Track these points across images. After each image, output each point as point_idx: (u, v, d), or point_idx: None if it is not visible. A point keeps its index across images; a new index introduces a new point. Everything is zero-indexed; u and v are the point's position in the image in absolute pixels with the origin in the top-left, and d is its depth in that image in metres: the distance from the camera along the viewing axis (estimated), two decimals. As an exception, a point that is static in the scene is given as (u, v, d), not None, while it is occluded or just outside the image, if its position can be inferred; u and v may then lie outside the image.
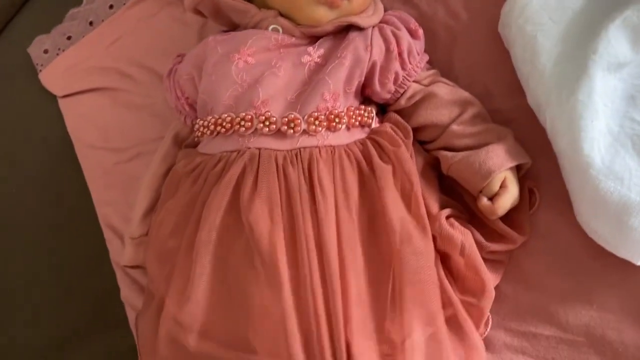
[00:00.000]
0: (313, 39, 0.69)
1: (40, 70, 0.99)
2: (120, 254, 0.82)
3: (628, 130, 0.59)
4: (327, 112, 0.63)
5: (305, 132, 0.62)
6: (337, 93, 0.64)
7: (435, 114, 0.67)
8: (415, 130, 0.68)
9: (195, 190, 0.64)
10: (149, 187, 0.76)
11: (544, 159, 0.65)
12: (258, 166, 0.61)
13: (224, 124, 0.64)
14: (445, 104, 0.67)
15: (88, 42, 0.97)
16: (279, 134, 0.63)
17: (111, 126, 0.93)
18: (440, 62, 0.74)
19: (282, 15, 0.69)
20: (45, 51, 1.00)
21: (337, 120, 0.63)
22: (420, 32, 0.70)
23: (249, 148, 0.62)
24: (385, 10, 0.73)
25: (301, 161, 0.61)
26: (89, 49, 0.96)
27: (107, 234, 0.89)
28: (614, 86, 0.60)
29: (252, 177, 0.60)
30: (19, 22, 1.08)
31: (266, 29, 0.69)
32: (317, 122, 0.62)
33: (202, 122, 0.67)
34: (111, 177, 0.92)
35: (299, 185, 0.60)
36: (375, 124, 0.68)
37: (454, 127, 0.65)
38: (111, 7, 0.96)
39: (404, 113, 0.69)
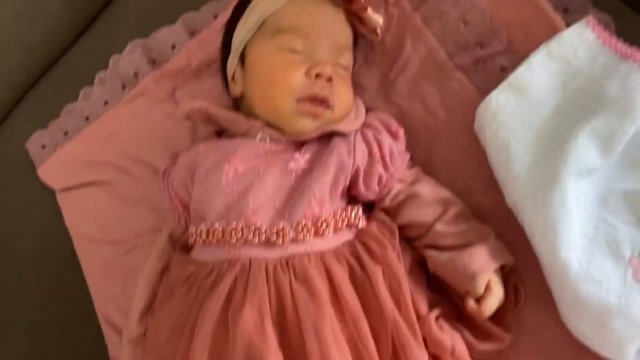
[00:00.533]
0: (299, 143, 0.72)
1: (39, 166, 1.03)
2: (119, 349, 0.83)
3: (602, 233, 0.61)
4: (314, 219, 0.66)
5: (293, 240, 0.65)
6: (323, 199, 0.67)
7: (419, 214, 0.69)
8: (401, 228, 0.70)
9: (190, 299, 0.66)
10: (146, 286, 0.78)
11: (526, 255, 0.67)
12: (248, 277, 0.63)
13: (216, 234, 0.67)
14: (428, 203, 0.69)
15: (85, 137, 1.00)
16: (268, 242, 0.65)
17: (109, 219, 0.96)
18: (421, 160, 0.77)
19: (268, 124, 0.72)
20: (43, 146, 1.04)
21: (324, 225, 0.66)
22: (401, 133, 0.73)
23: (240, 258, 0.64)
24: (367, 111, 0.77)
25: (292, 269, 0.64)
26: (85, 143, 1.00)
27: (106, 330, 0.91)
28: (586, 191, 0.63)
29: (242, 288, 0.62)
30: (17, 116, 1.12)
31: (254, 137, 0.72)
32: (304, 230, 0.65)
33: (195, 229, 0.70)
34: (110, 270, 0.94)
35: (290, 292, 0.62)
36: (362, 223, 0.70)
37: (438, 226, 0.68)
38: (106, 103, 1.00)
39: (389, 212, 0.72)
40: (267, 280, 0.63)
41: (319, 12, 0.71)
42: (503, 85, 0.68)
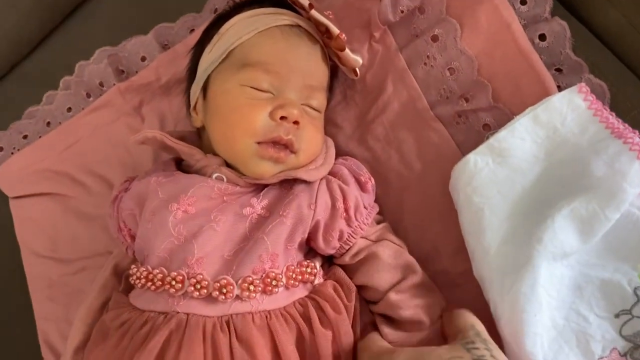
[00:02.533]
0: (259, 187, 0.67)
1: (-7, 168, 0.97)
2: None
3: (573, 325, 0.56)
4: (264, 275, 0.60)
5: (238, 297, 0.59)
6: (275, 254, 0.61)
7: (376, 278, 0.64)
8: (357, 287, 0.65)
9: (121, 349, 0.60)
10: (83, 321, 0.72)
11: (493, 334, 0.61)
12: (184, 334, 0.57)
13: (155, 280, 0.61)
14: (387, 268, 0.64)
15: (44, 144, 0.94)
16: (209, 298, 0.59)
17: (60, 234, 0.90)
18: (390, 211, 0.72)
19: (227, 164, 0.67)
20: (0, 148, 0.97)
21: (274, 282, 0.60)
22: (370, 185, 0.68)
23: (177, 312, 0.59)
24: (337, 154, 0.71)
25: (233, 329, 0.58)
26: (44, 151, 0.93)
27: (45, 353, 0.86)
28: (561, 274, 0.58)
29: (176, 346, 0.56)
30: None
31: (210, 176, 0.66)
32: (251, 287, 0.59)
33: (135, 270, 0.64)
34: (54, 290, 0.88)
35: (229, 355, 0.56)
36: (319, 279, 0.65)
37: (392, 295, 0.63)
38: (69, 109, 0.94)
39: (348, 269, 0.67)
40: (204, 341, 0.57)
41: (291, 47, 0.65)
42: (483, 147, 0.63)
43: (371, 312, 0.67)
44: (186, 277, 0.59)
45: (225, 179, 0.66)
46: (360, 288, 0.66)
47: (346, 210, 0.65)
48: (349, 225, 0.65)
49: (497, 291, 0.58)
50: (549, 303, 0.56)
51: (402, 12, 0.72)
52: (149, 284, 0.61)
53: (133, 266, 0.66)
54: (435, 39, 0.71)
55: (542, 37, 0.68)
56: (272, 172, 0.64)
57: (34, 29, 0.99)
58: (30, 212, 0.93)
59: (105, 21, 0.99)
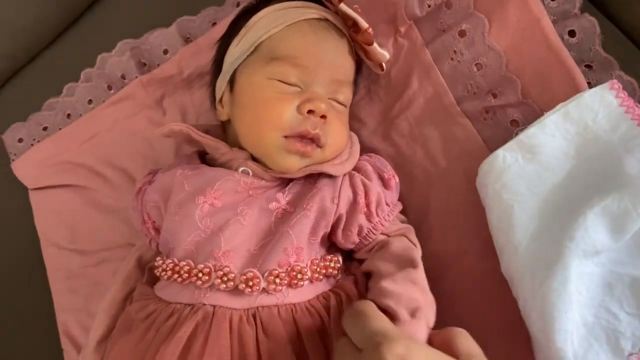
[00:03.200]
0: (285, 181, 0.66)
1: (13, 160, 0.97)
2: (76, 366, 0.78)
3: (603, 322, 0.56)
4: (289, 268, 0.60)
5: (264, 290, 0.59)
6: (300, 247, 0.61)
7: (377, 265, 0.62)
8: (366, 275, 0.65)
9: (147, 340, 0.60)
10: (107, 313, 0.72)
11: (521, 337, 0.60)
12: (210, 326, 0.57)
13: (182, 272, 0.61)
14: (391, 258, 0.62)
15: (64, 136, 0.94)
16: (236, 290, 0.59)
17: (80, 226, 0.90)
18: (416, 208, 0.71)
19: (253, 157, 0.66)
20: (20, 140, 0.98)
21: (299, 276, 0.60)
22: (394, 182, 0.67)
23: (204, 304, 0.59)
24: (362, 149, 0.71)
25: (260, 321, 0.58)
26: (64, 142, 0.94)
27: (65, 344, 0.86)
28: (591, 272, 0.57)
29: (203, 338, 0.56)
30: (-4, 105, 1.06)
31: (236, 169, 0.66)
32: (277, 280, 0.59)
33: (161, 263, 0.64)
34: (75, 281, 0.89)
35: (255, 348, 0.56)
36: (340, 276, 0.65)
37: (384, 283, 0.59)
38: (90, 101, 0.94)
39: (359, 255, 0.67)
40: (231, 333, 0.57)
41: (319, 41, 0.65)
42: (512, 143, 0.63)
43: None
44: (213, 269, 0.59)
45: (251, 173, 0.66)
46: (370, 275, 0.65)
47: (367, 205, 0.64)
48: (369, 220, 0.64)
49: (528, 288, 0.57)
50: (579, 301, 0.56)
51: (428, 6, 0.72)
52: (176, 276, 0.61)
53: (158, 258, 0.65)
54: (462, 34, 0.71)
55: (572, 33, 0.67)
56: (298, 166, 0.64)
57: (55, 20, 0.99)
58: (50, 203, 0.93)
59: (127, 13, 0.98)
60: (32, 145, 0.96)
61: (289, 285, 0.60)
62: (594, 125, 0.60)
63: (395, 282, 0.59)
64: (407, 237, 0.66)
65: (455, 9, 0.72)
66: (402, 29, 0.74)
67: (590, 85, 0.64)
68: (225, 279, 0.59)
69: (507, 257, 0.60)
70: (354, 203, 0.64)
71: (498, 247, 0.62)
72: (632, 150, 0.57)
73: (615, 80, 0.60)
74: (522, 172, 0.61)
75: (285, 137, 0.63)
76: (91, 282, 0.87)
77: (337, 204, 0.63)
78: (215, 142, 0.68)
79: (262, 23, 0.66)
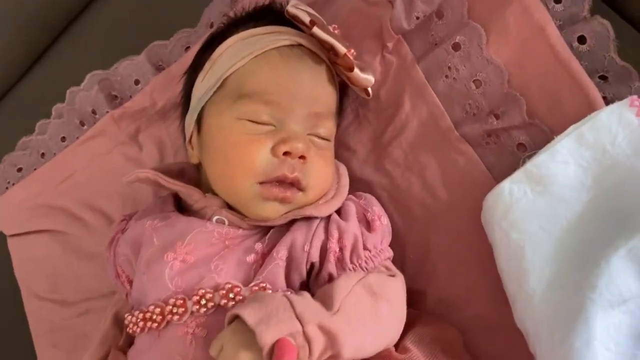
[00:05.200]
0: (264, 228, 0.60)
1: (-11, 205, 0.92)
2: None
3: (637, 382, 0.48)
4: (278, 291, 0.53)
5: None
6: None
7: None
8: None
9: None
10: (84, 379, 0.67)
11: None
12: None
13: (154, 316, 0.55)
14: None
15: (39, 177, 0.89)
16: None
17: (61, 274, 0.86)
18: (416, 247, 0.64)
19: (228, 205, 0.59)
20: (-5, 183, 0.92)
21: None
22: (379, 223, 0.59)
23: None
24: (353, 181, 0.64)
25: None
26: (40, 184, 0.88)
27: (49, 402, 0.80)
28: (619, 321, 0.49)
29: None
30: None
31: (209, 218, 0.59)
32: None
33: (130, 317, 0.58)
34: (58, 334, 0.84)
35: None
36: None
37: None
38: (63, 139, 0.88)
39: None
40: None
41: (292, 72, 0.57)
42: (519, 173, 0.55)
43: None
44: (187, 297, 0.54)
45: (226, 222, 0.59)
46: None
47: (341, 249, 0.56)
48: (342, 267, 0.56)
49: (545, 345, 0.50)
50: (606, 358, 0.48)
51: (417, 18, 0.64)
52: (149, 323, 0.55)
53: (127, 315, 0.59)
54: (456, 47, 0.62)
55: (582, 40, 0.59)
56: (278, 214, 0.57)
57: (20, 56, 0.94)
58: (29, 251, 0.89)
59: (96, 40, 0.93)
60: (7, 188, 0.92)
61: None
62: (614, 149, 0.52)
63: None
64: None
65: (447, 19, 0.64)
66: (390, 45, 0.66)
67: (606, 100, 0.56)
68: (204, 300, 0.53)
69: (521, 307, 0.53)
70: (325, 249, 0.56)
71: (509, 295, 0.54)
72: (660, 181, 0.48)
73: (635, 97, 0.52)
74: (533, 208, 0.54)
75: (261, 183, 0.56)
76: (75, 335, 0.83)
77: (308, 252, 0.56)
78: (187, 189, 0.61)
79: (228, 55, 0.59)
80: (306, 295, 0.50)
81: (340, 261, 0.56)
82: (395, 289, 0.56)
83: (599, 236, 0.50)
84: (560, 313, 0.49)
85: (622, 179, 0.52)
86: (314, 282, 0.57)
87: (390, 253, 0.60)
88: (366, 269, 0.56)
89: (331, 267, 0.56)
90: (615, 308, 0.49)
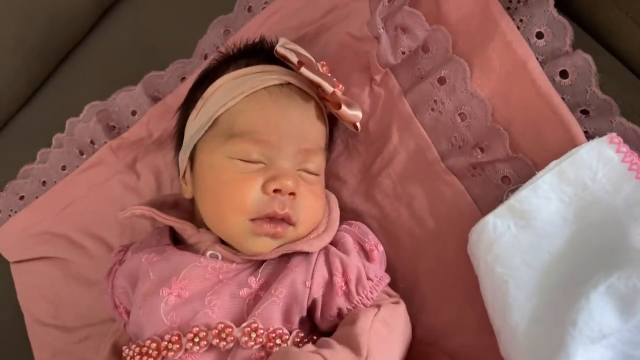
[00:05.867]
0: (256, 262, 0.61)
1: (-8, 232, 0.94)
2: None
3: (617, 414, 0.49)
4: (270, 330, 0.55)
5: (237, 343, 0.55)
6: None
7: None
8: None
9: None
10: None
11: None
12: None
13: (150, 351, 0.57)
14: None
15: (40, 205, 0.91)
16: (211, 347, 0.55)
17: (62, 300, 0.87)
18: (405, 276, 0.65)
19: (222, 240, 0.61)
20: (-2, 211, 0.94)
21: (277, 341, 0.55)
22: (377, 253, 0.61)
23: None
24: (343, 210, 0.66)
25: None
26: (41, 212, 0.90)
27: None
28: (601, 356, 0.50)
29: None
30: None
31: (203, 253, 0.61)
32: (253, 335, 0.55)
33: (127, 350, 0.60)
34: (60, 359, 0.85)
35: None
36: None
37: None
38: (64, 168, 0.90)
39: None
40: None
41: (281, 112, 0.59)
42: (502, 208, 0.56)
43: None
44: (182, 334, 0.55)
45: (220, 257, 0.60)
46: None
47: (346, 283, 0.58)
48: (349, 300, 0.58)
49: (528, 379, 0.51)
50: (588, 392, 0.49)
51: (403, 53, 0.65)
52: (145, 357, 0.57)
53: (124, 347, 0.61)
54: (442, 81, 0.64)
55: (564, 74, 0.60)
56: (270, 248, 0.59)
57: (21, 86, 0.96)
58: (32, 277, 0.91)
59: (93, 70, 0.94)
60: (9, 216, 0.93)
61: (264, 346, 0.55)
62: (594, 185, 0.53)
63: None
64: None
65: (432, 53, 0.65)
66: (378, 78, 0.68)
67: (588, 135, 0.58)
68: (197, 339, 0.55)
69: (505, 339, 0.54)
70: (330, 284, 0.58)
71: (495, 328, 0.56)
72: (638, 219, 0.50)
73: (614, 134, 0.53)
74: (516, 242, 0.55)
75: (252, 220, 0.57)
76: (76, 360, 0.84)
77: (310, 288, 0.57)
78: (181, 224, 0.63)
79: (219, 94, 0.61)
80: (334, 345, 0.52)
81: (346, 294, 0.58)
82: (404, 315, 0.60)
83: (580, 271, 0.52)
84: (542, 347, 0.51)
85: (603, 215, 0.53)
86: (322, 318, 0.59)
87: (388, 278, 0.63)
88: (372, 298, 0.59)
89: (340, 301, 0.58)
90: (595, 343, 0.50)
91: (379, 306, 0.58)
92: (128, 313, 0.67)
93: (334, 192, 0.69)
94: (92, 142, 0.86)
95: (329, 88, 0.58)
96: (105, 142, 0.84)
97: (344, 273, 0.58)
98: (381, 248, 0.62)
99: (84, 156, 0.88)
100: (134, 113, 0.84)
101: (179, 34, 0.88)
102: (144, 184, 0.84)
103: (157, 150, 0.83)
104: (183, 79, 0.83)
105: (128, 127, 0.84)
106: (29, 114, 0.99)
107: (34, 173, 0.93)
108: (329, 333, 0.60)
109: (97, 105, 0.86)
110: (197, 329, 0.55)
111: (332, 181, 0.70)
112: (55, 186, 0.90)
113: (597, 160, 0.53)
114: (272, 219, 0.58)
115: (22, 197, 0.93)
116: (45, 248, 0.89)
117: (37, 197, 0.92)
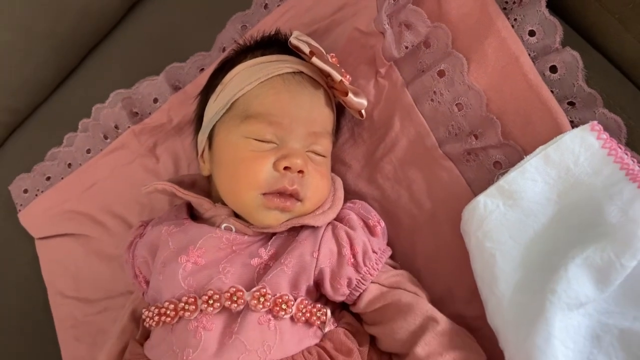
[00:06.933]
0: (267, 235, 0.67)
1: (20, 210, 1.00)
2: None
3: (592, 376, 0.54)
4: (276, 296, 0.60)
5: (247, 306, 0.60)
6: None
7: (396, 329, 0.61)
8: (378, 340, 0.65)
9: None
10: (103, 368, 0.74)
11: None
12: None
13: (168, 312, 0.62)
14: (404, 317, 0.61)
15: (65, 186, 0.97)
16: (221, 349, 0.59)
17: (83, 275, 0.93)
18: (403, 252, 0.70)
19: (235, 213, 0.67)
20: (25, 191, 1.01)
21: (284, 306, 0.60)
22: (379, 228, 0.67)
23: None
24: (348, 193, 0.71)
25: None
26: (66, 192, 0.97)
27: (72, 394, 0.88)
28: (578, 323, 0.55)
29: None
30: (2, 156, 1.09)
31: (219, 226, 0.67)
32: (262, 299, 0.60)
33: (147, 312, 0.65)
34: (79, 330, 0.91)
35: None
36: (329, 327, 0.64)
37: (419, 350, 0.59)
38: (88, 151, 0.96)
39: (364, 317, 0.66)
40: None
41: (293, 97, 0.65)
42: (492, 189, 0.61)
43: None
44: (197, 296, 0.60)
45: (234, 229, 0.66)
46: (380, 340, 0.65)
47: (354, 255, 0.64)
48: (357, 271, 0.64)
49: (512, 342, 0.56)
50: (565, 355, 0.54)
51: (406, 47, 0.70)
52: (163, 317, 0.62)
53: (144, 310, 0.66)
54: (441, 74, 0.69)
55: (553, 69, 0.65)
56: (279, 221, 0.64)
57: (52, 74, 1.02)
58: (55, 253, 0.96)
59: (119, 61, 1.01)
60: (36, 195, 0.99)
61: (271, 310, 0.60)
62: (576, 169, 0.58)
63: (430, 345, 0.59)
64: (403, 289, 0.64)
65: (433, 49, 0.71)
66: (382, 70, 0.73)
67: (574, 124, 0.63)
68: (211, 301, 0.60)
69: (492, 309, 0.59)
70: (339, 256, 0.64)
71: (483, 298, 0.61)
72: (614, 197, 0.54)
73: (596, 122, 0.58)
74: (504, 220, 0.60)
75: (264, 194, 0.63)
76: (95, 330, 0.90)
77: (317, 258, 0.63)
78: (198, 199, 0.69)
79: (237, 80, 0.66)
80: None
81: (355, 266, 0.63)
82: None
83: (561, 246, 0.56)
84: (525, 314, 0.55)
85: (583, 195, 0.58)
86: (331, 287, 0.64)
87: (390, 251, 0.68)
88: (377, 269, 0.64)
89: (350, 271, 0.63)
90: (573, 310, 0.55)
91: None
92: (147, 283, 0.72)
93: (340, 176, 0.74)
94: (116, 127, 0.92)
95: (337, 76, 0.64)
96: (129, 127, 0.90)
97: (352, 246, 0.64)
98: (383, 224, 0.67)
99: (108, 140, 0.94)
100: (155, 100, 0.90)
101: (199, 29, 0.94)
102: (162, 167, 0.90)
103: (176, 135, 0.89)
104: (202, 70, 0.89)
105: (150, 113, 0.90)
106: (57, 101, 1.06)
107: (61, 156, 0.99)
108: (335, 304, 0.66)
109: (122, 92, 0.92)
110: (212, 291, 0.60)
111: (338, 166, 0.76)
112: (80, 168, 0.96)
113: (579, 145, 0.58)
114: (281, 194, 0.63)
115: (48, 178, 1.00)
116: (68, 225, 0.95)
117: (62, 178, 0.98)
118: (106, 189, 0.94)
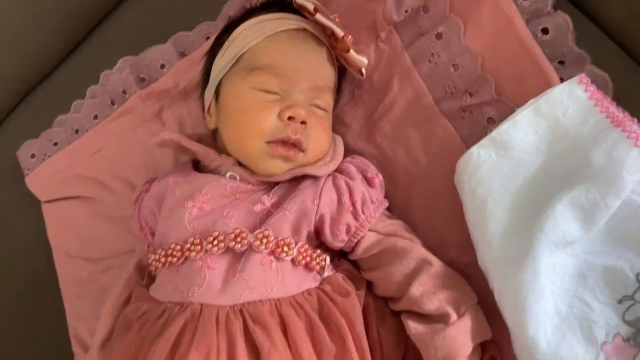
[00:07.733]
0: (270, 184, 0.70)
1: (27, 174, 1.03)
2: (86, 370, 0.82)
3: (577, 311, 0.57)
4: (278, 238, 0.63)
5: (250, 248, 0.62)
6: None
7: (392, 272, 0.64)
8: (375, 285, 0.67)
9: (140, 338, 0.64)
10: (109, 316, 0.76)
11: (502, 320, 0.62)
12: (198, 322, 0.60)
13: (174, 252, 0.64)
14: (399, 260, 0.65)
15: (72, 150, 1.00)
16: (225, 286, 0.62)
17: (88, 235, 0.95)
18: (399, 206, 0.73)
19: (240, 163, 0.70)
20: (32, 155, 1.04)
21: (285, 248, 0.63)
22: (377, 180, 0.70)
23: (192, 303, 0.62)
24: (346, 152, 0.74)
25: (246, 313, 0.61)
26: (72, 156, 0.99)
27: (76, 348, 0.91)
28: (565, 262, 0.58)
29: (191, 334, 0.59)
30: (12, 122, 1.12)
31: (224, 175, 0.69)
32: (264, 240, 0.62)
33: (153, 255, 0.68)
34: (83, 288, 0.93)
35: (243, 339, 0.59)
36: (328, 272, 0.67)
37: (413, 290, 0.62)
38: (95, 117, 0.99)
39: (361, 264, 0.69)
40: (218, 328, 0.60)
41: (297, 51, 0.68)
42: (485, 140, 0.64)
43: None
44: (203, 238, 0.63)
45: (238, 178, 0.69)
46: (377, 285, 0.68)
47: (353, 204, 0.67)
48: (356, 218, 0.67)
49: (500, 280, 0.59)
50: (552, 291, 0.57)
51: (406, 11, 0.74)
52: (170, 258, 0.65)
53: (150, 254, 0.69)
54: (439, 36, 0.73)
55: (545, 31, 0.68)
56: (282, 170, 0.67)
57: (60, 43, 1.05)
58: (61, 214, 0.99)
59: (126, 32, 1.04)
60: (43, 160, 1.02)
61: (273, 252, 0.63)
62: (564, 119, 0.62)
63: (424, 285, 0.62)
64: (399, 236, 0.67)
65: (432, 13, 0.74)
66: (383, 35, 0.76)
67: (563, 81, 0.65)
68: (216, 241, 0.63)
69: (482, 251, 0.62)
70: (339, 203, 0.67)
71: (474, 241, 0.63)
72: (599, 142, 0.58)
73: (584, 75, 0.61)
74: (496, 168, 0.63)
75: (268, 142, 0.66)
76: (99, 288, 0.92)
77: (318, 204, 0.65)
78: (205, 150, 0.72)
79: (243, 35, 0.70)
80: None
81: (353, 214, 0.67)
82: None
83: (549, 190, 0.59)
84: (514, 252, 0.58)
85: (570, 143, 0.61)
86: (331, 234, 0.66)
87: (387, 203, 0.71)
88: (375, 217, 0.67)
89: (349, 218, 0.66)
90: (560, 249, 0.58)
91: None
92: (152, 234, 0.75)
93: (340, 136, 0.77)
94: (124, 92, 0.95)
95: (339, 32, 0.67)
96: (136, 92, 0.93)
97: (351, 195, 0.67)
98: (381, 177, 0.71)
99: (115, 106, 0.97)
100: (162, 66, 0.93)
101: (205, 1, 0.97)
102: (168, 131, 0.93)
103: (181, 100, 0.92)
104: (207, 38, 0.92)
105: (157, 79, 0.93)
106: (65, 70, 1.09)
107: (68, 122, 1.02)
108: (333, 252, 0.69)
109: (130, 59, 0.95)
110: (217, 233, 0.63)
111: (338, 126, 0.79)
112: (87, 133, 0.99)
113: (567, 97, 0.61)
114: (285, 142, 0.66)
115: (55, 144, 1.02)
116: (74, 188, 0.98)
117: (69, 144, 1.01)
118: (112, 153, 0.96)
